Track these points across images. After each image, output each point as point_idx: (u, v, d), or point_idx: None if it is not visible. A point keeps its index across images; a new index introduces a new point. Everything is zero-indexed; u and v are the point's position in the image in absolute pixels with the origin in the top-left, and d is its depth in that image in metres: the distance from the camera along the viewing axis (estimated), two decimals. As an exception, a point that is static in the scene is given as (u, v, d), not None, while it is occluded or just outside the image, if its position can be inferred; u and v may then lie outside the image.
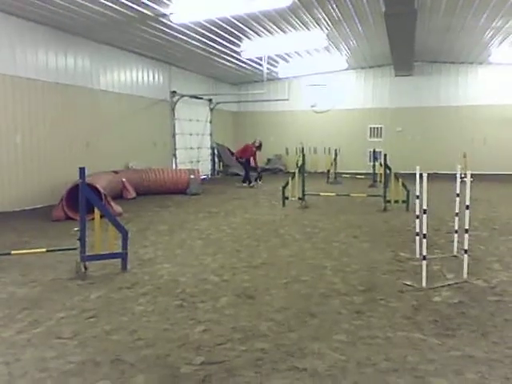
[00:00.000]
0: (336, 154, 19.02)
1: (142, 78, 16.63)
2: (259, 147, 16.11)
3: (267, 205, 12.17)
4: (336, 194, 12.57)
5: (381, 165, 13.84)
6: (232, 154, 21.09)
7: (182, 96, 18.41)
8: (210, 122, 21.81)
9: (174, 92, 18.30)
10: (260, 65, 18.24)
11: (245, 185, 15.88)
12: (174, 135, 18.55)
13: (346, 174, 19.50)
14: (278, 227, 9.01)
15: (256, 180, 15.96)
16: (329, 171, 18.25)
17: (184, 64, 18.45)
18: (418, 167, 5.95)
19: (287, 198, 11.64)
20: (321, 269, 6.12)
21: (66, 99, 12.77)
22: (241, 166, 16.78)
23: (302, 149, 12.27)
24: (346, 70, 22.43)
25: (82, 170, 5.57)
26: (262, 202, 12.76)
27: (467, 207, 5.53)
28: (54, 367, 3.52)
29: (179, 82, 18.76)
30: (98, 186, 10.09)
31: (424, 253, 5.34)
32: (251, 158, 16.30)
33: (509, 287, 5.28)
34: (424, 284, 5.28)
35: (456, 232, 6.51)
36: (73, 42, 13.05)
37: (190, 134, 20.00)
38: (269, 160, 23.99)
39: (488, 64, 20.88)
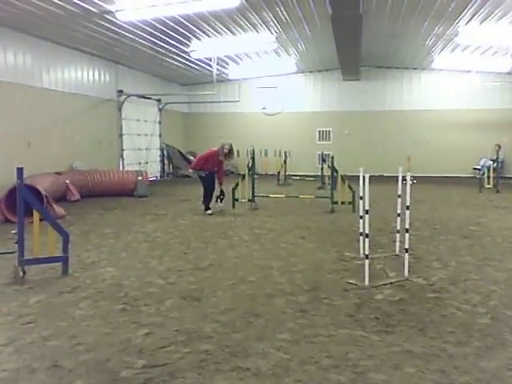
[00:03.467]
0: (286, 157, 19.27)
1: (88, 76, 16.19)
2: (228, 155, 10.60)
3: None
4: (285, 196, 12.74)
5: (329, 167, 14.15)
6: (188, 161, 20.89)
7: (130, 95, 18.09)
8: (159, 123, 21.54)
9: (121, 91, 17.94)
10: (210, 66, 18.20)
11: (208, 212, 10.76)
12: (120, 135, 18.18)
13: (296, 176, 19.78)
14: (226, 229, 9.03)
15: (217, 200, 10.95)
16: (279, 173, 18.45)
17: (132, 63, 18.14)
18: (361, 169, 6.13)
19: (237, 200, 11.65)
20: (268, 269, 6.19)
21: (4, 97, 12.24)
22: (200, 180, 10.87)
23: (253, 151, 12.32)
24: (296, 73, 22.76)
25: (19, 171, 5.36)
26: (211, 204, 12.68)
27: (407, 208, 5.75)
28: (-14, 376, 3.37)
29: (126, 81, 18.42)
30: (38, 187, 9.73)
31: (367, 252, 5.50)
32: (215, 170, 10.83)
33: (446, 284, 5.52)
34: (367, 282, 5.45)
35: (398, 232, 6.75)
36: (12, 37, 12.53)
37: (138, 135, 19.68)
38: (219, 162, 23.93)
39: (431, 70, 21.79)
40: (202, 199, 10.97)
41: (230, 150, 10.65)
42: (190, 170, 11.67)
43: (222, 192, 11.01)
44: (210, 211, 10.78)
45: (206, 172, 10.67)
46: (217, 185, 10.87)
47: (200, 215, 10.68)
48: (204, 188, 10.83)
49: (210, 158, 10.69)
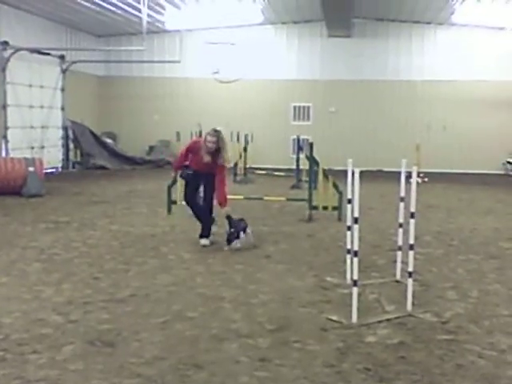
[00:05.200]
0: (247, 142, 19.30)
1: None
2: (216, 152, 8.77)
3: (145, 212, 12.11)
4: (245, 198, 12.71)
5: (307, 158, 14.26)
6: (104, 146, 20.59)
7: (18, 50, 17.77)
8: (62, 90, 21.23)
9: (6, 43, 17.58)
10: (138, 10, 18.04)
11: (204, 241, 9.08)
12: (4, 107, 17.87)
13: (261, 169, 19.86)
14: (158, 244, 9.00)
15: (229, 239, 8.75)
16: (236, 165, 18.44)
17: (21, 2, 17.87)
18: (349, 161, 6.19)
19: (175, 203, 11.63)
20: (216, 301, 6.19)
21: None
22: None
23: (200, 133, 12.25)
24: (262, 24, 22.90)
25: None
26: (137, 207, 12.65)
27: (412, 215, 5.83)
28: None
29: (13, 29, 18.14)
30: None
31: (355, 277, 5.56)
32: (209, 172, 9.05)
33: (465, 322, 5.64)
34: (355, 319, 5.49)
35: (399, 249, 6.85)
36: None
37: (31, 107, 19.38)
38: (151, 148, 23.82)
39: (450, 25, 22.34)
40: (202, 229, 9.18)
41: (218, 143, 8.74)
42: (173, 174, 9.81)
43: (228, 220, 8.75)
44: (205, 241, 9.04)
45: (190, 171, 9.04)
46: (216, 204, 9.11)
47: (120, 224, 10.56)
48: (192, 208, 9.22)
49: (192, 151, 9.07)
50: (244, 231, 8.76)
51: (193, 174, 8.96)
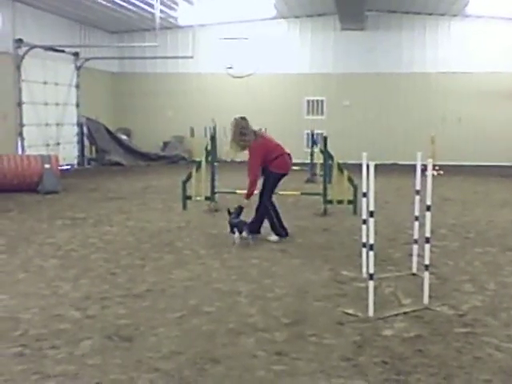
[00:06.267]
0: (260, 137, 19.24)
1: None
2: (234, 140, 9.06)
3: (161, 207, 12.14)
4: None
5: (321, 152, 14.23)
6: (119, 143, 20.56)
7: (33, 47, 17.88)
8: (77, 87, 21.39)
9: (21, 41, 17.72)
10: (151, 5, 18.06)
11: (273, 238, 8.94)
12: (19, 104, 18.00)
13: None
14: (174, 239, 9.02)
15: (232, 228, 8.73)
16: (250, 160, 18.45)
17: (36, 0, 17.90)
18: (364, 154, 6.17)
19: (189, 198, 11.64)
20: (232, 295, 6.20)
21: None
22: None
23: (214, 128, 12.26)
24: (274, 18, 22.85)
25: None
26: (153, 203, 12.68)
27: (428, 208, 5.81)
28: None
29: (29, 27, 18.23)
30: None
31: (371, 270, 5.55)
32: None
33: (482, 315, 5.61)
34: (371, 313, 5.48)
35: (415, 242, 6.83)
36: None
37: (46, 104, 19.52)
38: (165, 144, 23.86)
39: (465, 17, 22.19)
40: (270, 225, 9.05)
41: (235, 131, 8.94)
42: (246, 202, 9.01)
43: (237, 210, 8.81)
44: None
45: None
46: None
47: (135, 220, 10.62)
48: (260, 209, 9.10)
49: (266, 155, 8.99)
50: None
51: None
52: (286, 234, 9.02)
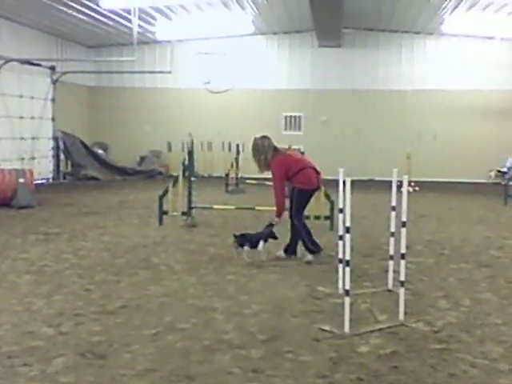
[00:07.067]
0: (239, 152, 19.30)
1: None
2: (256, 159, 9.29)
3: (137, 222, 12.09)
4: (236, 208, 12.75)
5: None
6: (96, 158, 20.41)
7: (10, 60, 17.80)
8: (53, 101, 21.32)
9: (-4, 54, 17.62)
10: (128, 20, 18.06)
11: (308, 258, 8.72)
12: (-6, 118, 17.88)
13: (252, 179, 19.79)
14: (150, 254, 8.98)
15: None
16: (228, 175, 18.46)
17: (13, 14, 17.88)
18: (341, 170, 6.20)
19: (166, 213, 11.64)
20: (208, 312, 6.17)
21: None
22: None
23: (191, 142, 12.25)
24: (253, 34, 22.99)
25: None
26: (128, 218, 12.63)
27: (404, 224, 5.85)
28: None
29: (5, 40, 18.19)
30: None
31: (347, 287, 5.56)
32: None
33: (457, 331, 5.64)
34: (347, 329, 5.48)
35: (391, 258, 6.87)
36: None
37: (21, 118, 19.42)
38: (142, 159, 23.78)
39: (440, 35, 22.53)
40: (303, 243, 8.79)
41: (252, 151, 9.31)
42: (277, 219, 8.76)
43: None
44: (310, 257, 8.62)
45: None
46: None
47: (111, 235, 10.55)
48: (297, 225, 8.83)
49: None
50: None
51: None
52: (319, 249, 8.80)
